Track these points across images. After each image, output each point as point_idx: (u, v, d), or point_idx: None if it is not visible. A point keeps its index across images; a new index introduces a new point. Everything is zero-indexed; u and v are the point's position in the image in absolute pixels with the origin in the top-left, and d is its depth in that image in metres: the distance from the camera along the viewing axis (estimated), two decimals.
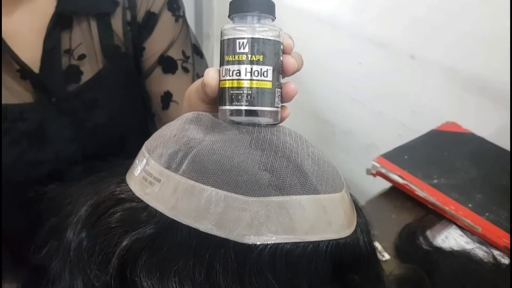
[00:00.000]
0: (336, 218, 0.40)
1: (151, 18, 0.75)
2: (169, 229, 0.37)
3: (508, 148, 1.00)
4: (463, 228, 0.83)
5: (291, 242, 0.37)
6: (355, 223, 0.43)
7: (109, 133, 0.74)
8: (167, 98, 0.78)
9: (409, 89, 1.23)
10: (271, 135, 0.41)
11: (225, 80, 0.42)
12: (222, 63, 0.43)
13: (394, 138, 1.14)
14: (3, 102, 0.67)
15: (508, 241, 0.78)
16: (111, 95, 0.73)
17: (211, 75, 0.43)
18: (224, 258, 0.36)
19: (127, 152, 0.45)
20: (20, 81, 0.67)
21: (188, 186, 0.37)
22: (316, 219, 0.38)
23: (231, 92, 0.41)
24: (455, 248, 0.79)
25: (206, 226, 0.36)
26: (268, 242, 0.36)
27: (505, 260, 0.76)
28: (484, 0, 1.03)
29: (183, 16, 0.80)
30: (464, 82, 1.11)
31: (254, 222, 0.36)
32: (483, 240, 0.81)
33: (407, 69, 1.21)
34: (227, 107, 0.42)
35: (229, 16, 0.45)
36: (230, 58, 0.42)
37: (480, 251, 0.77)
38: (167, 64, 0.78)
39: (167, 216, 0.37)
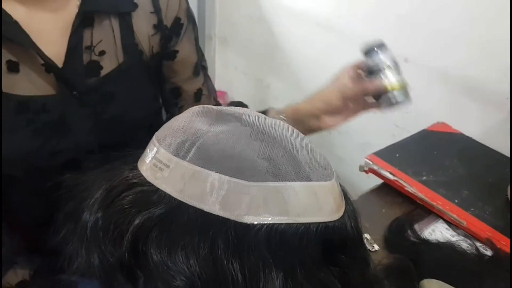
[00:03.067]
0: (326, 203, 0.45)
1: (178, 24, 0.83)
2: (177, 210, 0.41)
3: (495, 148, 1.05)
4: (449, 222, 0.88)
5: (285, 223, 0.42)
6: (343, 209, 0.47)
7: (124, 125, 0.78)
8: (199, 93, 0.91)
9: None
10: (270, 128, 0.45)
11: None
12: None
13: (388, 138, 1.18)
14: (27, 94, 0.71)
15: (491, 234, 0.83)
16: (127, 89, 0.78)
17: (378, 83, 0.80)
18: (225, 235, 0.40)
19: (139, 143, 0.49)
20: (44, 74, 0.71)
21: (195, 171, 0.42)
22: (308, 203, 0.43)
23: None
24: (441, 240, 0.83)
25: (210, 207, 0.41)
26: (265, 222, 0.41)
27: (488, 252, 0.81)
28: (476, 6, 1.07)
29: (195, 22, 0.88)
30: (454, 84, 1.16)
31: (252, 204, 0.41)
32: (467, 234, 0.85)
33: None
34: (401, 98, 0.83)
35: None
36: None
37: (464, 243, 0.82)
38: (196, 69, 0.89)
39: (175, 198, 0.42)
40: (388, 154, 1.03)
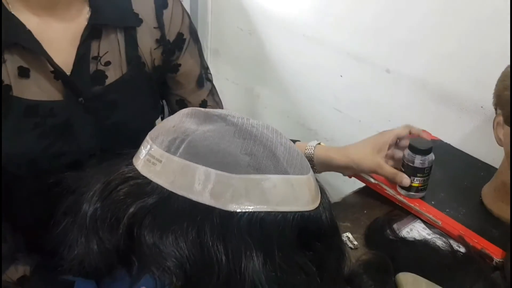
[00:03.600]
0: (302, 195, 0.50)
1: (180, 39, 0.89)
2: (168, 199, 0.46)
3: (471, 153, 1.11)
4: (426, 222, 0.93)
5: (264, 211, 0.47)
6: (318, 201, 0.53)
7: (124, 131, 0.83)
8: (203, 104, 0.95)
9: (385, 100, 1.34)
10: (252, 128, 0.51)
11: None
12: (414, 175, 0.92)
13: None
14: (36, 99, 0.76)
15: (464, 232, 0.88)
16: (129, 98, 0.84)
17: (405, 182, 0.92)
18: (211, 221, 0.45)
19: (137, 148, 0.54)
20: (53, 81, 0.76)
21: (184, 165, 0.47)
22: (285, 194, 0.48)
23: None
24: (418, 238, 0.89)
25: (197, 197, 0.46)
26: (246, 210, 0.46)
27: (461, 249, 0.86)
28: (450, 22, 1.14)
29: (198, 37, 0.94)
30: (433, 94, 1.22)
31: (235, 194, 0.46)
32: (443, 233, 0.90)
33: (383, 81, 1.32)
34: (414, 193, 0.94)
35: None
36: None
37: (439, 241, 0.87)
38: (199, 81, 0.94)
39: (166, 189, 0.47)
40: None
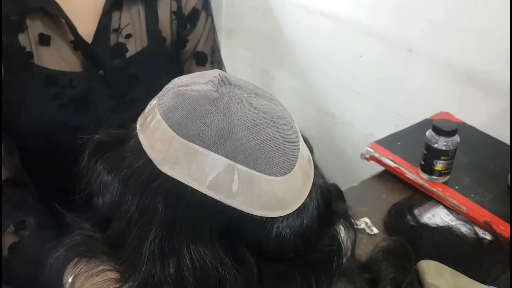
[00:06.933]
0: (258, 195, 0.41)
1: (195, 14, 0.87)
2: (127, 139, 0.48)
3: (497, 137, 1.05)
4: (449, 208, 0.89)
5: (191, 187, 0.41)
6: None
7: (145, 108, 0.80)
8: None
9: (407, 81, 1.28)
10: (235, 111, 0.43)
11: None
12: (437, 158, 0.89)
13: (391, 129, 1.18)
14: (56, 68, 0.76)
15: (490, 219, 0.83)
16: (150, 73, 0.82)
17: None
18: (139, 173, 0.43)
19: None
20: (73, 51, 0.76)
21: (152, 111, 0.47)
22: (224, 182, 0.41)
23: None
24: (441, 224, 0.84)
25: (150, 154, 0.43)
26: (174, 177, 0.41)
27: (487, 236, 0.81)
28: None
29: (212, 15, 0.91)
30: (458, 74, 1.16)
31: (171, 156, 0.42)
32: (467, 219, 0.86)
33: (404, 61, 1.26)
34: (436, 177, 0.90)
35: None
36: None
37: (463, 228, 0.82)
38: (200, 58, 0.90)
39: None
40: (390, 142, 1.03)
